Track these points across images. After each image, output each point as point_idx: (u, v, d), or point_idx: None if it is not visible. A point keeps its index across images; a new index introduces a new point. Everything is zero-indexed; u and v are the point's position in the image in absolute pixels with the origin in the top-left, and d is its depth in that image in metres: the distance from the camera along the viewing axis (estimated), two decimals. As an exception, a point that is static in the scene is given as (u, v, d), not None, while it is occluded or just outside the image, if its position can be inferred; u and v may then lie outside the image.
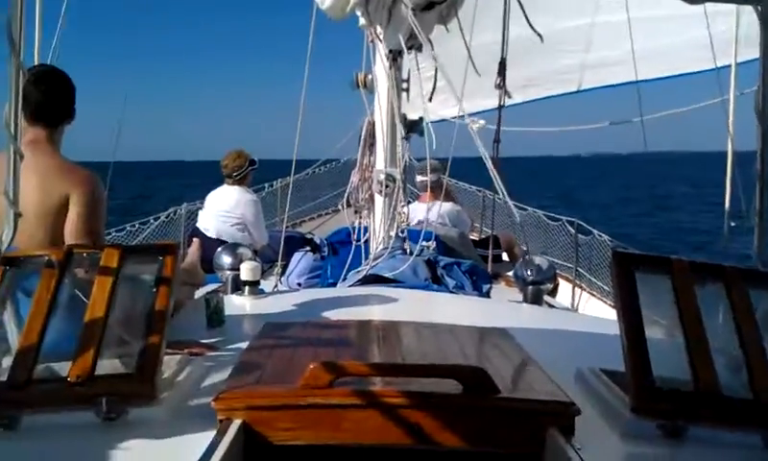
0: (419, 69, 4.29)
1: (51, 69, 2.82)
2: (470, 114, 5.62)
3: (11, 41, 1.33)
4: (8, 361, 1.75)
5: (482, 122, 5.77)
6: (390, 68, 4.28)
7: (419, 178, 5.91)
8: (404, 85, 4.42)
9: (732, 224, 4.14)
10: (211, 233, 5.72)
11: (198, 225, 6.03)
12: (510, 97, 5.34)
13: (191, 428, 1.64)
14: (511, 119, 5.56)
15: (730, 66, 4.74)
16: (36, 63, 3.37)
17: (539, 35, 4.52)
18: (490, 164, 3.81)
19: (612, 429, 1.73)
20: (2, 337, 1.88)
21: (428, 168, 4.60)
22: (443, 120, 6.31)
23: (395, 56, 4.32)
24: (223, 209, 5.86)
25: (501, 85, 5.09)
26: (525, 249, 4.50)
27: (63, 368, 1.73)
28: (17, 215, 1.53)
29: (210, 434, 1.56)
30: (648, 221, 28.61)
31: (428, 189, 5.66)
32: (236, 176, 5.91)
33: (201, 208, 6.28)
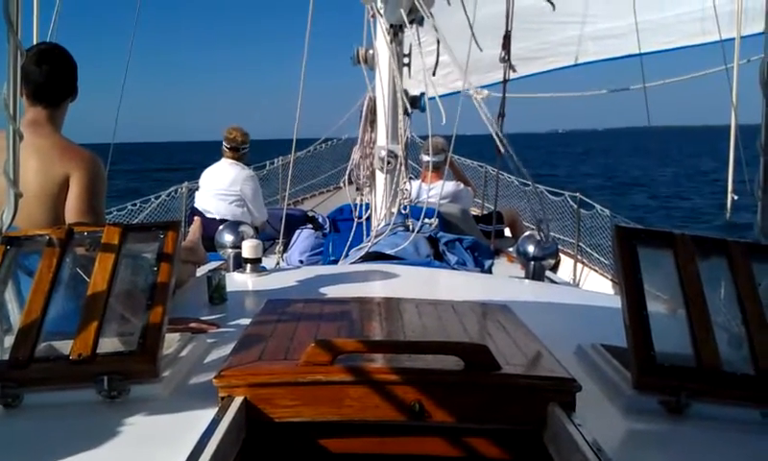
0: (420, 44, 4.26)
1: (52, 47, 2.78)
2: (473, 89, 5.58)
3: (8, 21, 1.32)
4: (9, 340, 1.75)
5: (486, 92, 5.73)
6: (391, 43, 4.24)
7: (424, 157, 5.89)
8: (405, 60, 4.39)
9: (735, 197, 4.13)
10: (210, 213, 5.71)
11: (196, 204, 6.01)
12: (515, 71, 5.29)
13: (193, 406, 1.64)
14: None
15: (732, 39, 4.70)
16: (34, 43, 3.35)
17: (551, 2, 4.46)
18: (495, 133, 3.77)
19: (614, 405, 1.73)
20: (4, 316, 1.88)
21: (430, 146, 4.59)
22: (448, 94, 6.28)
23: (396, 30, 4.29)
24: (220, 187, 5.84)
25: (506, 59, 5.05)
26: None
27: (65, 346, 1.73)
28: (18, 195, 1.53)
29: (212, 411, 1.57)
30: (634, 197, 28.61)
31: (430, 169, 5.65)
32: (243, 150, 5.91)
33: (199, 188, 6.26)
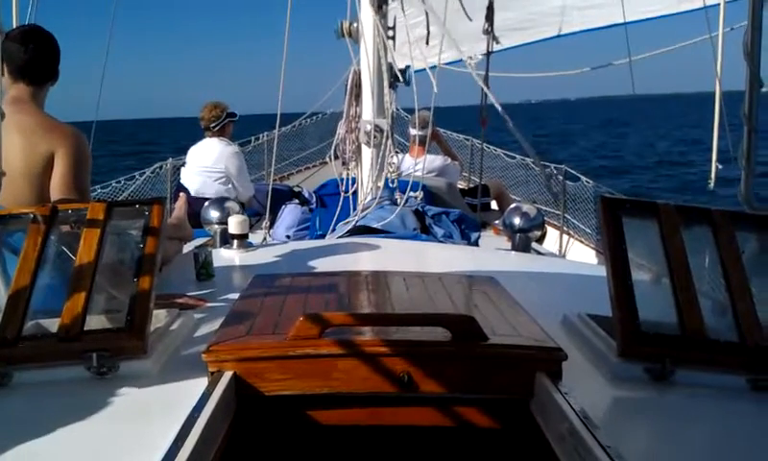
0: (405, 15, 4.23)
1: (35, 28, 2.79)
2: (453, 62, 5.56)
3: None
4: None
5: (479, 56, 5.71)
6: (375, 16, 4.21)
7: (411, 131, 5.87)
8: (390, 33, 4.36)
9: (720, 166, 4.15)
10: (195, 191, 5.68)
11: (182, 181, 5.97)
12: (498, 43, 5.28)
13: (183, 381, 1.65)
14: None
15: (716, 6, 4.69)
16: (14, 25, 3.33)
17: None
18: (492, 98, 3.76)
19: (600, 373, 1.75)
20: None
21: (417, 120, 4.58)
22: (433, 67, 6.23)
23: (380, 3, 4.25)
24: (205, 165, 5.80)
25: (489, 31, 5.04)
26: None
27: (53, 324, 1.73)
28: (1, 174, 1.52)
29: (202, 386, 1.57)
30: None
31: (417, 142, 5.63)
32: (214, 127, 5.83)
33: (184, 165, 6.22)
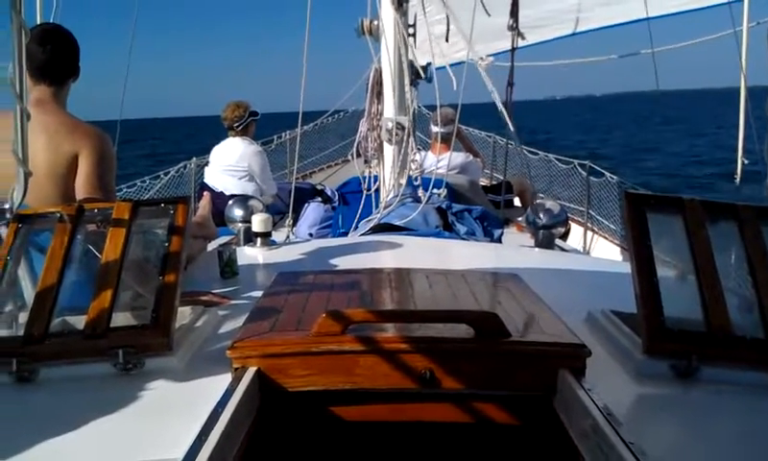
0: (425, 13, 4.22)
1: (55, 27, 2.82)
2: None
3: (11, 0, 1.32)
4: (24, 316, 1.77)
5: (490, 59, 5.68)
6: (395, 13, 4.21)
7: (433, 128, 5.86)
8: (411, 30, 4.36)
9: (746, 161, 4.10)
10: (219, 189, 5.72)
11: (205, 180, 6.03)
12: (524, 38, 5.24)
13: (207, 377, 1.67)
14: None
15: (740, 1, 4.62)
16: (37, 23, 3.36)
17: None
18: (500, 104, 3.76)
19: (624, 370, 1.74)
20: (17, 293, 1.91)
21: (439, 117, 4.57)
22: (457, 63, 6.19)
23: (400, 0, 4.25)
24: (228, 163, 5.85)
25: (514, 27, 5.01)
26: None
27: (79, 321, 1.76)
28: (27, 174, 1.54)
29: (226, 382, 1.59)
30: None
31: (439, 140, 5.62)
32: (237, 127, 5.88)
33: (208, 164, 6.27)
